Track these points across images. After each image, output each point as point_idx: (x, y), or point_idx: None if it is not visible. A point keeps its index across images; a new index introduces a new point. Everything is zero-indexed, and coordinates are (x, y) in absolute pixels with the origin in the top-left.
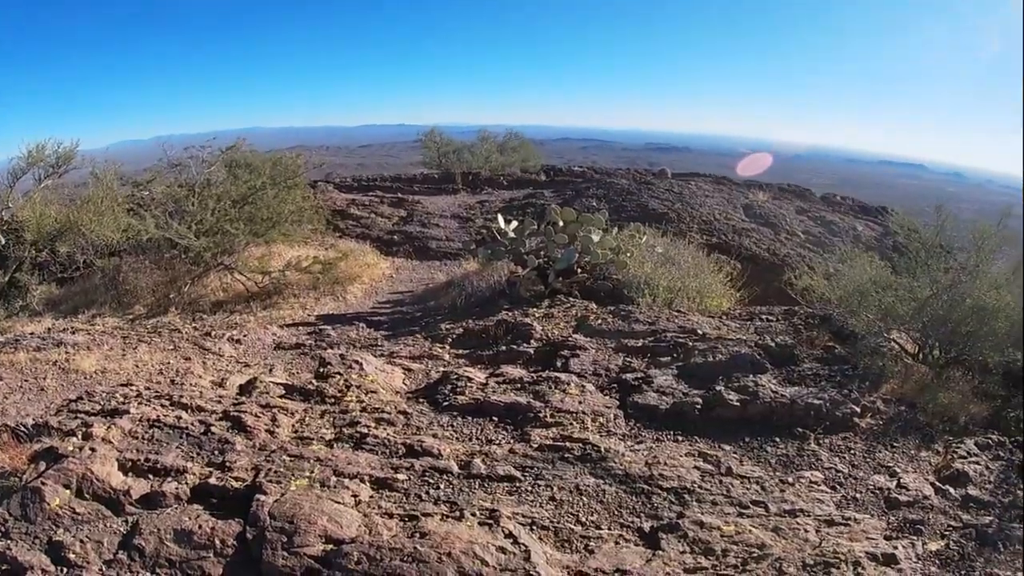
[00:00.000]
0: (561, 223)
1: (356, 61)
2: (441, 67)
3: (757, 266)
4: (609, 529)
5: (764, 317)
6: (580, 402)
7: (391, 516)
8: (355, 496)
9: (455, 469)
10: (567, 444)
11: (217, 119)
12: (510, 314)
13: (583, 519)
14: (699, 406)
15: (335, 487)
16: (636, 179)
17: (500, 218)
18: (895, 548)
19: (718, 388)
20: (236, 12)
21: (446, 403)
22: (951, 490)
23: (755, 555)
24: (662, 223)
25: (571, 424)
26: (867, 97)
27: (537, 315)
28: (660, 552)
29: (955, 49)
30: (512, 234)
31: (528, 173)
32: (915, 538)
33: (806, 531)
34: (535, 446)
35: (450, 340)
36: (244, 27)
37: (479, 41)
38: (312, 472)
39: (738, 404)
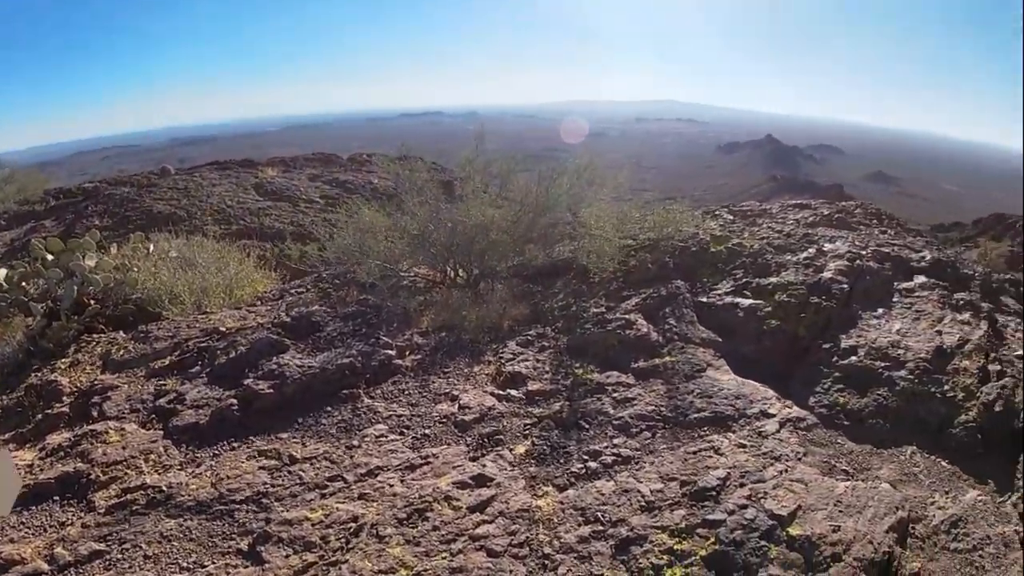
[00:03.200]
0: (50, 256)
1: None
2: None
3: (285, 240)
4: (213, 562)
5: (295, 291)
6: (124, 447)
7: None
8: None
9: (45, 568)
10: (131, 496)
11: None
12: (38, 375)
13: (184, 563)
14: (236, 407)
15: None
16: (138, 184)
17: None
18: (483, 466)
19: (247, 382)
20: None
21: None
22: (512, 392)
23: (352, 529)
24: (172, 224)
25: (126, 474)
26: (380, 58)
27: (63, 367)
28: (267, 565)
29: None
30: (5, 284)
31: (28, 204)
32: (499, 448)
33: (391, 486)
34: (103, 511)
35: None
36: None
37: None
38: None
39: (272, 391)
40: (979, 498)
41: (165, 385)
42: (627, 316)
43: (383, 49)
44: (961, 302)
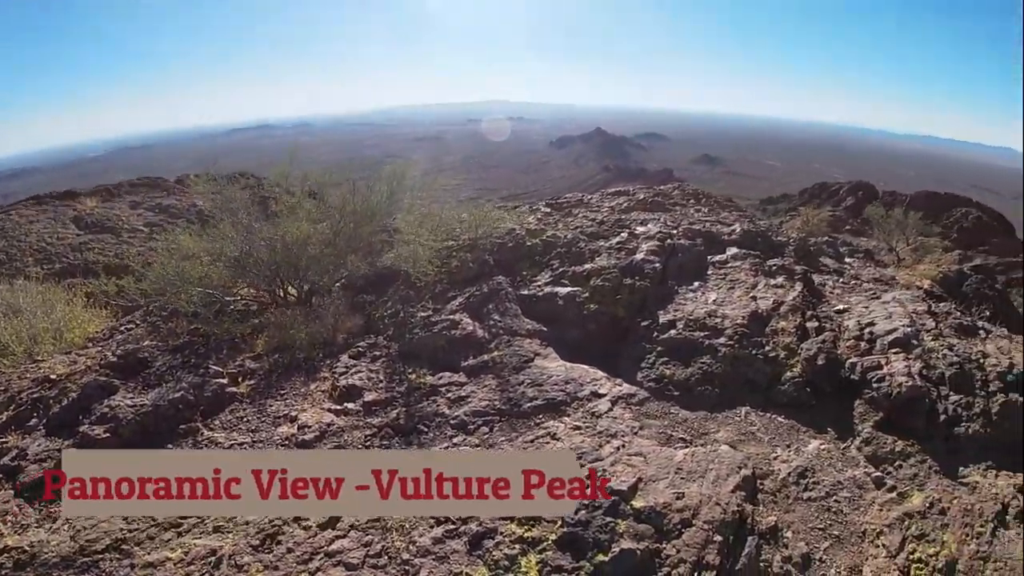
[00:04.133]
0: None
1: None
2: None
3: (111, 275)
4: None
5: (125, 328)
6: None
7: None
8: None
9: None
10: None
11: None
12: None
13: None
14: None
15: None
16: None
17: None
18: None
19: (82, 429)
20: None
21: None
22: (350, 405)
23: (212, 563)
24: None
25: None
26: (208, 71)
27: None
28: None
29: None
30: None
31: None
32: None
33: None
34: None
35: None
36: None
37: None
38: None
39: (108, 435)
40: (822, 447)
41: (6, 442)
42: (453, 316)
43: (210, 62)
44: (774, 267)
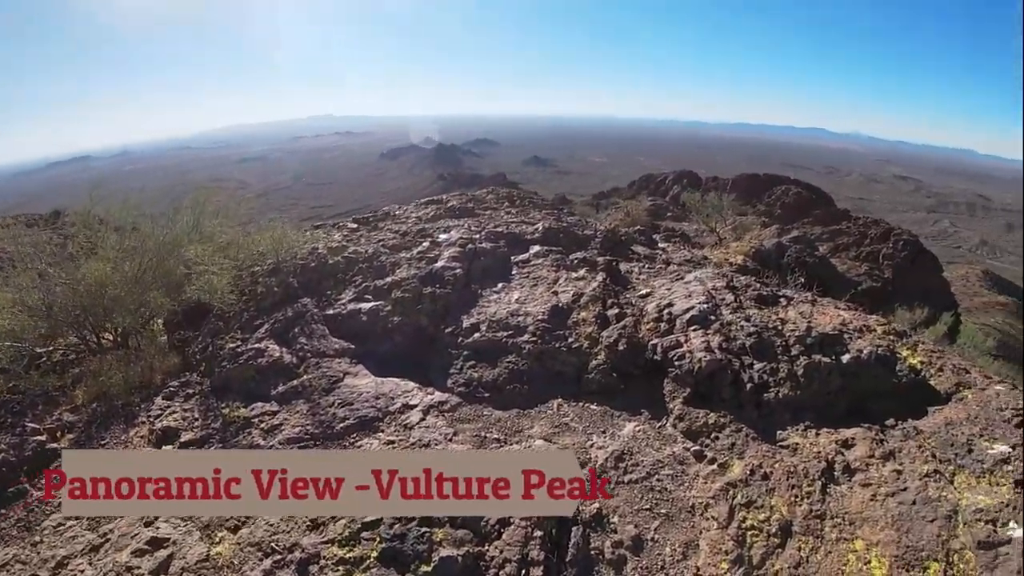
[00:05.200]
0: None
1: None
2: None
3: None
4: None
5: None
6: None
7: None
8: None
9: None
10: None
11: None
12: None
13: None
14: None
15: None
16: None
17: None
18: (157, 528)
19: None
20: None
21: None
22: (168, 448)
23: None
24: None
25: None
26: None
27: None
28: None
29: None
30: None
31: None
32: None
33: (82, 571)
34: None
35: None
36: None
37: None
38: None
39: None
40: (637, 428)
41: None
42: (259, 344)
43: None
44: (575, 261)
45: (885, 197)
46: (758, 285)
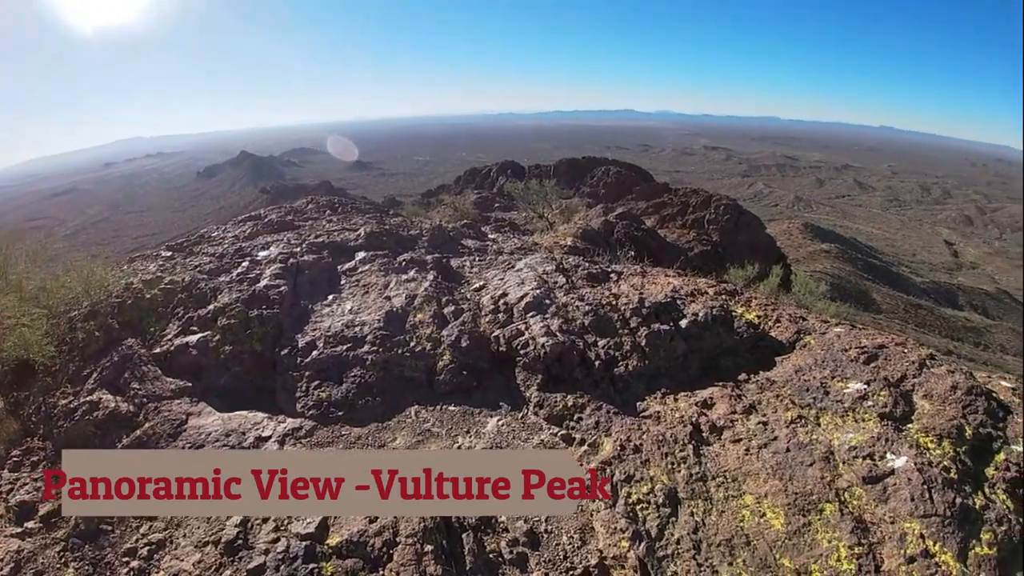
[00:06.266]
0: None
1: None
2: None
3: None
4: None
5: None
6: None
7: None
8: None
9: None
10: None
11: None
12: None
13: None
14: None
15: None
16: None
17: None
18: None
19: None
20: None
21: None
22: (30, 525)
23: None
24: None
25: None
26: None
27: None
28: None
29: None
30: None
31: None
32: None
33: None
34: None
35: None
36: None
37: None
38: None
39: None
40: (500, 423)
41: None
42: (91, 397)
43: None
44: (404, 262)
45: (700, 167)
46: (587, 264)
